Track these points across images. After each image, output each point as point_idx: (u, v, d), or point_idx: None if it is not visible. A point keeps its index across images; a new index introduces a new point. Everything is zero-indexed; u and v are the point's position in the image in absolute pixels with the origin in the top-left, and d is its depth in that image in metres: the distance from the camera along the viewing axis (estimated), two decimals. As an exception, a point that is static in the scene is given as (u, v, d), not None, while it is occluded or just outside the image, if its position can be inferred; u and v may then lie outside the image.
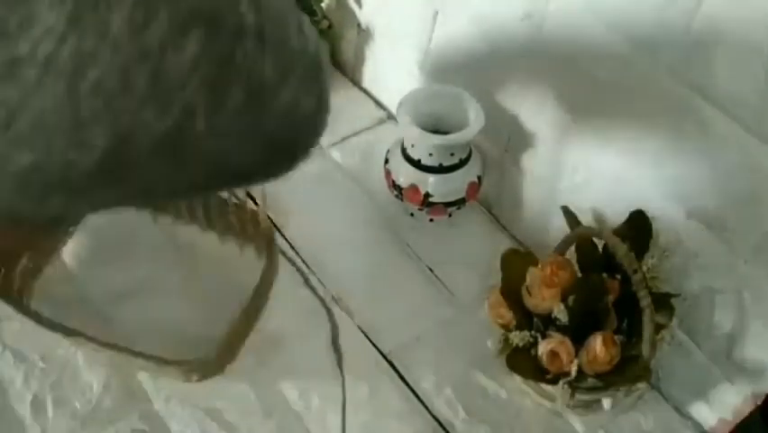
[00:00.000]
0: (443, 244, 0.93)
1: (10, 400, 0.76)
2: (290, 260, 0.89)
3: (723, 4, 0.61)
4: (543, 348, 0.71)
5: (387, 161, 0.92)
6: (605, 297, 0.71)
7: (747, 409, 0.73)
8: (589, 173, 0.81)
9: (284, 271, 0.88)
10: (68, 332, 0.74)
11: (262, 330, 0.82)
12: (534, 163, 0.88)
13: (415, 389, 0.80)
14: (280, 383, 0.79)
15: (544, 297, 0.73)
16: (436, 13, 0.91)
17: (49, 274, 0.85)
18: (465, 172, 0.88)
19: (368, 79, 1.11)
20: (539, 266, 0.75)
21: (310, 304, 0.86)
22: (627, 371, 0.71)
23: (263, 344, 0.81)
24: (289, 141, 0.43)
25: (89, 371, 0.78)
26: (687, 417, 0.80)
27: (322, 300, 0.82)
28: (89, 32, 0.31)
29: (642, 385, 0.79)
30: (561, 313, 0.72)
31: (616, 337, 0.71)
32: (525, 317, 0.74)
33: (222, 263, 0.87)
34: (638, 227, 0.74)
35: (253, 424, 0.76)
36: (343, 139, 1.04)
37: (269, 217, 0.85)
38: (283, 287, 0.87)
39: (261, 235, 0.84)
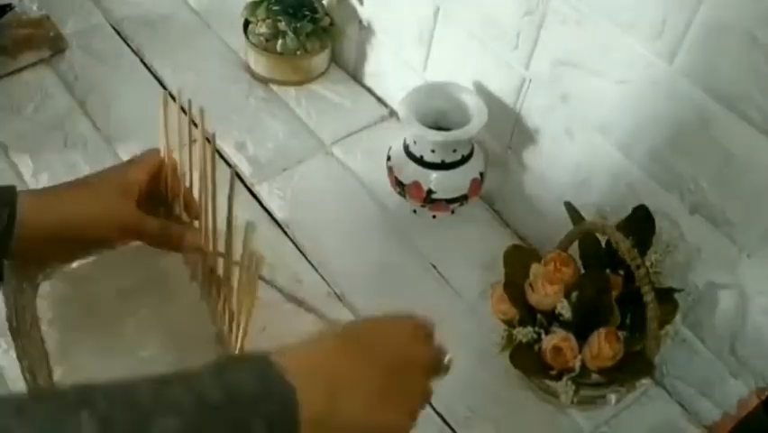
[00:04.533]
0: (446, 240, 0.93)
1: (15, 398, 0.76)
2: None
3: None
4: (546, 344, 0.71)
5: (389, 159, 0.92)
6: (608, 292, 0.71)
7: (751, 404, 0.73)
8: (592, 169, 0.81)
9: (285, 268, 0.88)
10: None
11: (266, 328, 0.82)
12: (536, 159, 0.88)
13: (418, 385, 0.80)
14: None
15: (547, 293, 0.73)
16: (438, 9, 0.91)
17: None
18: (468, 169, 0.88)
19: (369, 76, 1.11)
20: (542, 262, 0.75)
21: (312, 301, 0.86)
22: (631, 366, 0.71)
23: (266, 342, 0.81)
24: None
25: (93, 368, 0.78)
26: (691, 412, 0.80)
27: None
28: None
29: (645, 381, 0.79)
30: (564, 309, 0.72)
31: (619, 333, 0.70)
32: (529, 314, 0.74)
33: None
34: (641, 223, 0.74)
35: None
36: (345, 136, 1.04)
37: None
38: (285, 285, 0.87)
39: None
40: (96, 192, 0.69)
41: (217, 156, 0.84)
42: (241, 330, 0.68)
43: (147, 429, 0.39)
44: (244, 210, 0.94)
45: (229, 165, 0.96)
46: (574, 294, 0.73)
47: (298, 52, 1.07)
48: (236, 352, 0.68)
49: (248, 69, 1.12)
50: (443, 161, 0.87)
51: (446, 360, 0.59)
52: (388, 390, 0.52)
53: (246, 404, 0.43)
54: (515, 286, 0.75)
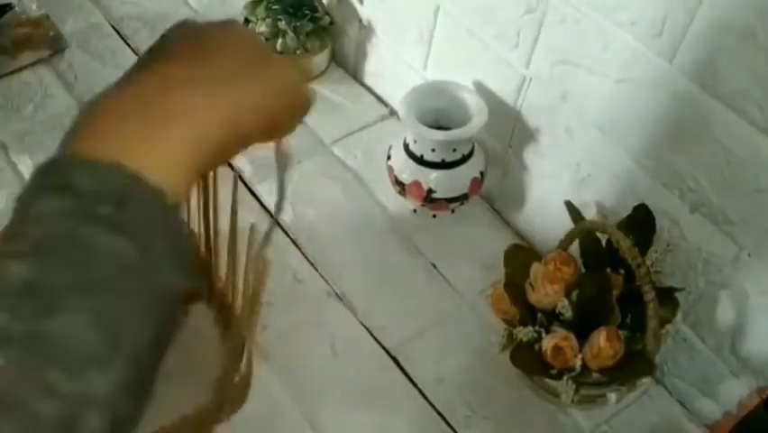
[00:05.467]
0: (446, 239, 0.93)
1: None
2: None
3: (726, -3, 0.60)
4: (547, 343, 0.71)
5: (389, 158, 0.92)
6: (609, 292, 0.71)
7: (752, 403, 0.73)
8: (593, 168, 0.81)
9: (285, 268, 0.88)
10: None
11: (267, 327, 0.83)
12: (537, 158, 0.88)
13: (418, 384, 0.80)
14: (282, 380, 0.79)
15: (547, 292, 0.72)
16: (438, 8, 0.91)
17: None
18: (468, 168, 0.88)
19: (370, 75, 1.10)
20: (542, 261, 0.75)
21: (312, 301, 0.86)
22: (632, 366, 0.71)
23: (267, 341, 0.81)
24: None
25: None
26: (691, 411, 0.80)
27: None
28: None
29: (646, 380, 0.79)
30: (564, 308, 0.72)
31: (620, 332, 0.70)
32: (529, 313, 0.74)
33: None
34: (642, 222, 0.74)
35: (258, 422, 0.76)
36: (345, 135, 1.04)
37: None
38: (285, 285, 0.87)
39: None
40: None
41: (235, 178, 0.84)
42: (246, 333, 0.68)
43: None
44: (244, 210, 0.93)
45: (232, 168, 0.96)
46: (575, 293, 0.72)
47: (298, 52, 1.07)
48: (243, 357, 0.68)
49: (248, 68, 1.12)
50: (443, 161, 0.87)
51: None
52: (250, 59, 0.43)
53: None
54: (515, 285, 0.75)
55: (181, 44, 0.44)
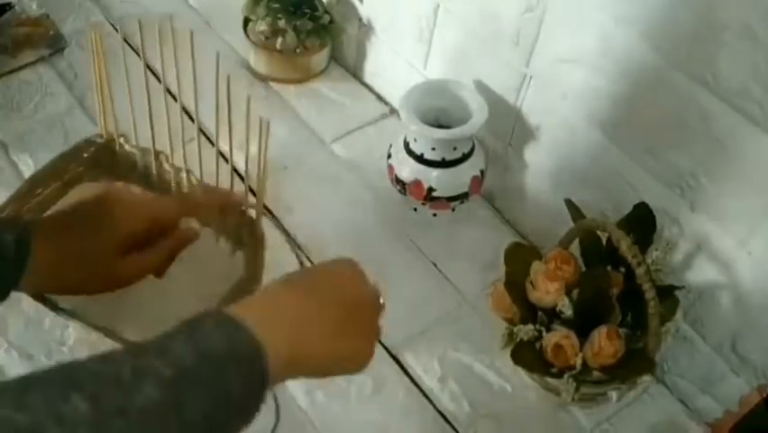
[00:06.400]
0: (447, 238, 0.93)
1: (16, 397, 0.76)
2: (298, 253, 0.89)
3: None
4: (547, 342, 0.71)
5: (389, 156, 0.92)
6: (609, 290, 0.71)
7: (753, 401, 0.73)
8: (593, 166, 0.81)
9: (286, 267, 0.88)
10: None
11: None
12: (537, 157, 0.88)
13: (419, 383, 0.80)
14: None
15: (547, 290, 0.73)
16: (438, 6, 0.91)
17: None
18: (468, 166, 0.88)
19: (370, 74, 1.10)
20: (543, 260, 0.75)
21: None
22: (632, 364, 0.71)
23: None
24: None
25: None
26: (692, 409, 0.80)
27: None
28: None
29: (647, 378, 0.79)
30: (565, 307, 0.72)
31: (620, 330, 0.70)
32: (530, 311, 0.74)
33: (218, 260, 0.85)
34: (642, 220, 0.74)
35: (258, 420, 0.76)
36: (346, 134, 1.04)
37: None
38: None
39: (253, 244, 0.81)
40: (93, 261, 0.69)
41: (217, 153, 0.84)
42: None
43: (133, 402, 0.42)
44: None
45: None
46: (575, 292, 0.73)
47: (298, 50, 1.07)
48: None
49: (248, 66, 1.12)
50: (443, 159, 0.87)
51: (381, 300, 0.61)
52: (344, 321, 0.56)
53: (219, 366, 0.46)
54: (515, 284, 0.75)
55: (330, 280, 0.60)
